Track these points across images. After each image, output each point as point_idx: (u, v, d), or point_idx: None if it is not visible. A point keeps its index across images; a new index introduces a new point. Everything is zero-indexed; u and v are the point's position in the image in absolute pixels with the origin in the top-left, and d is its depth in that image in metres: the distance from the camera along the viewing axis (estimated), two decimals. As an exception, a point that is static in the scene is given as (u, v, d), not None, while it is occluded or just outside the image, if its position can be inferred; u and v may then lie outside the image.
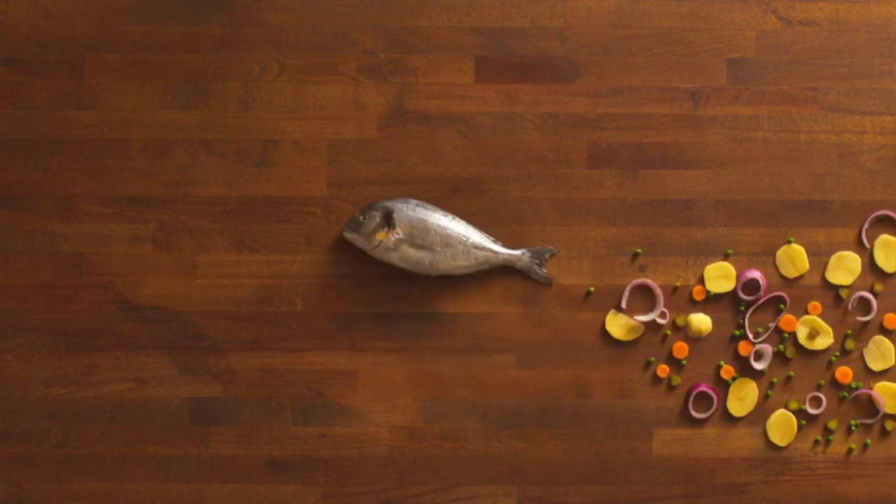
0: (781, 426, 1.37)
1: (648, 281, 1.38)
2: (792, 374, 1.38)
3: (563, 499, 1.38)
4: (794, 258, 1.38)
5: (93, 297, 1.39)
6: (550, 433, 1.39)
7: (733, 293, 1.38)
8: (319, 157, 1.40)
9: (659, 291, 1.38)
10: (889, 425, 1.37)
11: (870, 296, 1.37)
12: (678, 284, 1.39)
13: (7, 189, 1.40)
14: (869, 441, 1.37)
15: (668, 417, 1.39)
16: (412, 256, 1.35)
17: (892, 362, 1.38)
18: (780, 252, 1.38)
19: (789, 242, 1.38)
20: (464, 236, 1.35)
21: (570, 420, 1.39)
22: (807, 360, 1.38)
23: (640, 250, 1.39)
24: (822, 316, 1.38)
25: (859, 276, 1.38)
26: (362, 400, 1.39)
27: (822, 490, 1.38)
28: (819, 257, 1.39)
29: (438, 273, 1.36)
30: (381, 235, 1.32)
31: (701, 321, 1.37)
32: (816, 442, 1.37)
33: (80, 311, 1.39)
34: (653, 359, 1.38)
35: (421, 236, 1.34)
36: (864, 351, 1.37)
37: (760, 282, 1.37)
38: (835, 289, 1.38)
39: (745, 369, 1.38)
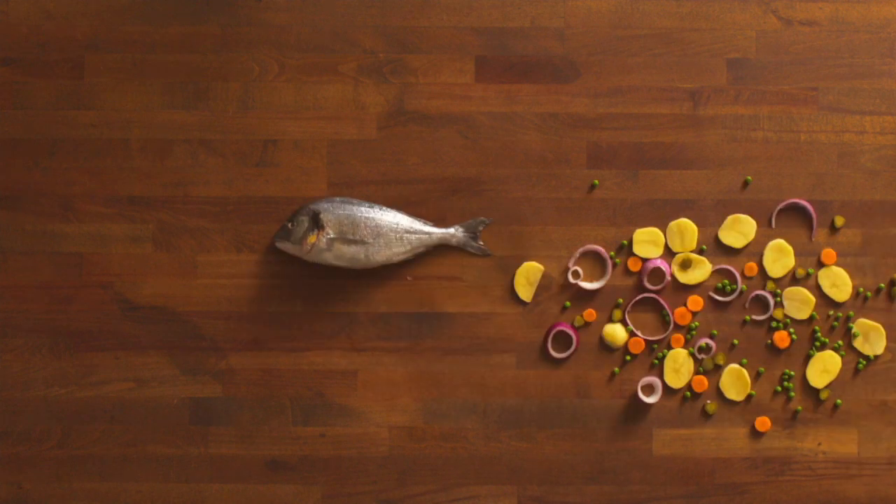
0: (733, 381, 1.38)
1: (597, 247, 1.38)
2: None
3: (563, 499, 1.38)
4: (683, 232, 1.39)
5: (93, 297, 1.39)
6: (550, 433, 1.39)
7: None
8: (319, 157, 1.40)
9: (607, 256, 1.38)
10: (778, 314, 1.38)
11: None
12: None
13: (7, 189, 1.40)
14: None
15: (668, 417, 1.39)
16: (346, 253, 1.35)
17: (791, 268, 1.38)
18: (671, 224, 1.39)
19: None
20: (394, 223, 1.36)
21: (570, 420, 1.39)
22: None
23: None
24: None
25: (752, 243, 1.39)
26: (362, 400, 1.39)
27: (822, 490, 1.38)
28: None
29: (377, 264, 1.36)
30: (311, 239, 1.33)
31: (615, 331, 1.37)
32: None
33: (80, 311, 1.39)
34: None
35: (351, 231, 1.35)
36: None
37: (664, 269, 1.38)
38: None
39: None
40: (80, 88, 1.41)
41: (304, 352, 1.39)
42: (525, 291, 1.39)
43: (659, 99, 1.41)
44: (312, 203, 1.36)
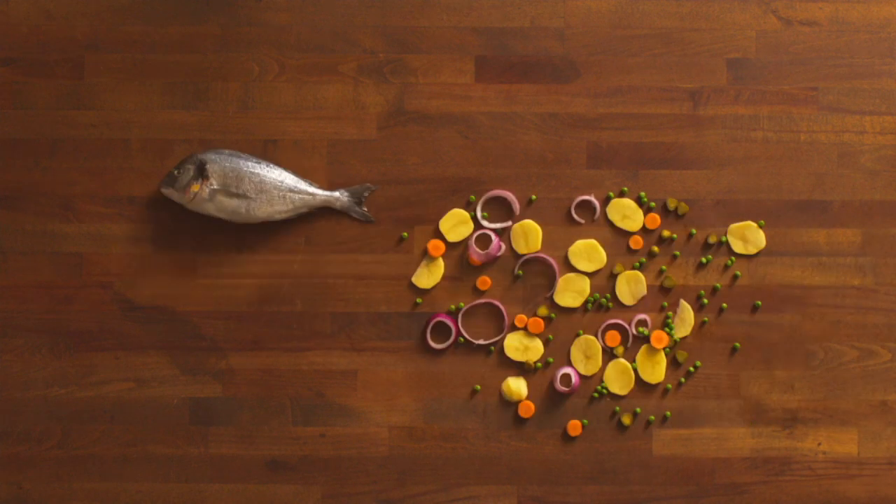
0: (647, 363, 1.39)
1: (505, 192, 1.39)
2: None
3: (563, 499, 1.38)
4: (527, 234, 1.39)
5: (93, 297, 1.39)
6: (550, 433, 1.39)
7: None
8: (319, 156, 1.40)
9: (514, 198, 1.38)
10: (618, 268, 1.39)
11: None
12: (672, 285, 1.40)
13: (7, 189, 1.40)
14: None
15: (668, 417, 1.39)
16: (227, 206, 1.35)
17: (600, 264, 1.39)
18: (515, 227, 1.39)
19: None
20: (278, 181, 1.36)
21: (571, 420, 1.39)
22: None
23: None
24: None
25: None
26: (362, 400, 1.39)
27: (822, 490, 1.38)
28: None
29: (257, 220, 1.36)
30: (195, 187, 1.33)
31: (518, 385, 1.37)
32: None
33: (80, 311, 1.39)
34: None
35: (235, 184, 1.34)
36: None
37: (495, 242, 1.38)
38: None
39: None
40: (80, 88, 1.41)
41: (304, 352, 1.39)
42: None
43: (659, 99, 1.41)
44: (201, 152, 1.36)
